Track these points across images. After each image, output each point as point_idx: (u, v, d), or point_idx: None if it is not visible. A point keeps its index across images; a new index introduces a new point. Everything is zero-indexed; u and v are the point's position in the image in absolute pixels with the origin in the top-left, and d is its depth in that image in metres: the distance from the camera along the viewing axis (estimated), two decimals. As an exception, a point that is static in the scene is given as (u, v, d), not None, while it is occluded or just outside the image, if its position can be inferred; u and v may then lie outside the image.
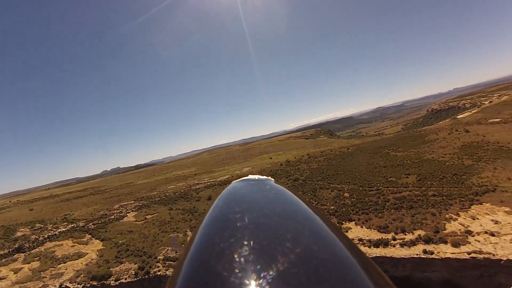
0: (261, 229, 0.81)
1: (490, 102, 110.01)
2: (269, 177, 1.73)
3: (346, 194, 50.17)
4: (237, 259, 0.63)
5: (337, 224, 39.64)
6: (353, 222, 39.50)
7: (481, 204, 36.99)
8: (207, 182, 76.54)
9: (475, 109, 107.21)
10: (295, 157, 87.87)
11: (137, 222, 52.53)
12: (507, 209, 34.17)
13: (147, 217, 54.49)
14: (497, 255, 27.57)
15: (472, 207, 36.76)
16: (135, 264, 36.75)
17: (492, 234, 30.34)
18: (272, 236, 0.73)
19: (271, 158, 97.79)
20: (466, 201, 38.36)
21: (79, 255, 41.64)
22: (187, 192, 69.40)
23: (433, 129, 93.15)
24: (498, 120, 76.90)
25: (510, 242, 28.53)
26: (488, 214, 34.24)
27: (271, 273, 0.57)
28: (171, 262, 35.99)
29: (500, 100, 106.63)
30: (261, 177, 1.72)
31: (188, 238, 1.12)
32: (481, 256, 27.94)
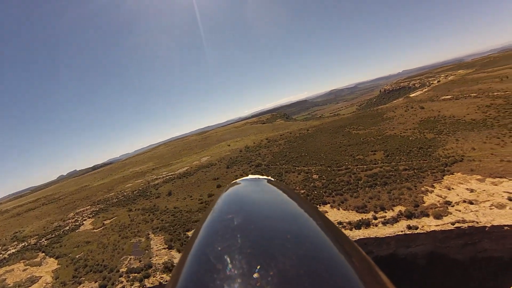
0: (259, 232, 0.88)
1: (438, 81, 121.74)
2: (269, 177, 1.88)
3: (314, 176, 48.74)
4: (236, 264, 0.69)
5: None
6: (328, 205, 37.88)
7: (452, 174, 38.33)
8: (166, 176, 75.72)
9: (425, 88, 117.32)
10: (254, 142, 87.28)
11: (94, 230, 49.96)
12: (479, 177, 35.73)
13: (105, 222, 52.21)
14: (480, 222, 28.06)
15: (445, 177, 37.89)
16: (95, 282, 33.32)
17: (471, 203, 31.09)
18: (271, 239, 0.82)
19: (229, 145, 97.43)
20: (437, 172, 39.53)
21: (32, 281, 37.64)
22: (145, 189, 67.86)
23: (389, 107, 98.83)
24: (449, 97, 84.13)
25: (490, 209, 29.39)
26: (462, 183, 35.40)
27: (271, 277, 0.62)
28: (136, 275, 32.82)
29: (447, 79, 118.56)
30: (260, 177, 1.86)
31: (188, 240, 1.12)
32: (465, 225, 28.23)
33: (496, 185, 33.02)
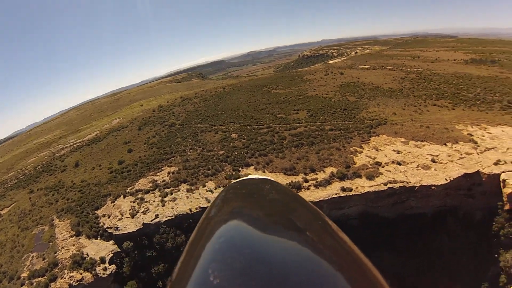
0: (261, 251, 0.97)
1: (356, 53, 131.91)
2: (268, 177, 1.94)
3: (233, 135, 44.40)
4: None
5: (236, 173, 33.08)
6: (252, 167, 34.38)
7: (378, 136, 39.51)
8: (74, 144, 72.17)
9: (343, 57, 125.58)
10: (167, 102, 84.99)
11: (-11, 225, 42.69)
12: (403, 139, 37.53)
13: (2, 212, 46.32)
14: (410, 182, 28.86)
15: (372, 139, 38.76)
16: (-7, 298, 28.35)
17: (399, 163, 31.95)
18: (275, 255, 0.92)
19: (142, 106, 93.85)
20: (364, 133, 40.27)
21: None
22: (50, 162, 62.94)
23: (308, 70, 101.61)
24: (367, 66, 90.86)
25: (417, 169, 30.55)
26: (388, 145, 36.50)
27: None
28: (40, 279, 27.89)
29: (364, 52, 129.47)
30: (260, 177, 1.96)
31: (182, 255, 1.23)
32: (397, 185, 28.71)
33: (419, 147, 34.96)
